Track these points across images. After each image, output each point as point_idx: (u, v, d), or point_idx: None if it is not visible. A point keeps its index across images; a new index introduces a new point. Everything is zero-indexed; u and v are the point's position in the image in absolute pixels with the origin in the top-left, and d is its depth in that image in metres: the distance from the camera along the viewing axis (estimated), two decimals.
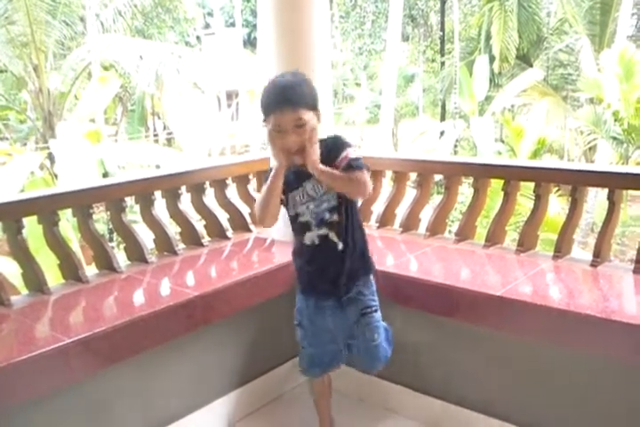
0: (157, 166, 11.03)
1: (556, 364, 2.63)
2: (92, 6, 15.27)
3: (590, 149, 15.86)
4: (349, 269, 2.46)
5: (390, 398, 3.17)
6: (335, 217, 2.40)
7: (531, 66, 18.46)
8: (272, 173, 2.30)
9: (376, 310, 2.55)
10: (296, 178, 2.39)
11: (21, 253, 2.80)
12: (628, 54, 13.19)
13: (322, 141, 2.32)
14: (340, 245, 2.42)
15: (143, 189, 3.23)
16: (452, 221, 8.94)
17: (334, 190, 2.33)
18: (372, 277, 2.57)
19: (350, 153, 2.29)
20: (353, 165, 2.25)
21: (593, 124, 14.04)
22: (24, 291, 2.87)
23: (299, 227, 2.47)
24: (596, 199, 11.75)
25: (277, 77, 2.33)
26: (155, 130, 21.86)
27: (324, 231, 2.42)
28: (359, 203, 2.63)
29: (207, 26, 27.28)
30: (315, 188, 2.39)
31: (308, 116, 2.24)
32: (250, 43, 25.21)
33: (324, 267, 2.47)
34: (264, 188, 2.35)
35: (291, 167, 2.31)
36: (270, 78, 2.35)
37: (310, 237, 2.44)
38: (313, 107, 2.29)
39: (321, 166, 2.22)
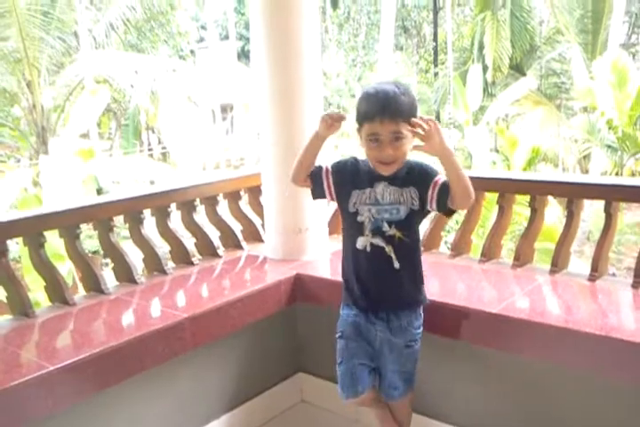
0: (152, 182, 10.98)
1: (554, 383, 2.56)
2: (84, 21, 15.29)
3: (585, 157, 15.85)
4: (406, 291, 2.40)
5: None
6: (396, 232, 2.32)
7: (524, 75, 18.50)
8: (312, 137, 2.33)
9: (418, 342, 2.48)
10: (370, 177, 2.33)
11: (6, 276, 2.73)
12: (620, 62, 13.23)
13: (406, 163, 2.30)
14: (397, 264, 2.34)
15: (131, 208, 3.18)
16: (448, 231, 8.90)
17: (452, 183, 2.21)
18: (421, 308, 2.49)
19: (441, 178, 2.26)
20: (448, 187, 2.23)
21: (587, 133, 14.05)
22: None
23: (355, 227, 2.36)
24: (591, 207, 11.70)
25: (381, 84, 2.28)
26: (149, 144, 21.83)
27: (379, 242, 2.33)
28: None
29: (201, 39, 27.37)
30: (383, 193, 2.32)
31: (407, 129, 2.18)
32: (244, 55, 25.24)
33: (375, 279, 2.38)
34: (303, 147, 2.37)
35: (368, 166, 2.32)
36: (372, 85, 2.32)
37: (363, 242, 2.35)
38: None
39: (449, 148, 2.19)
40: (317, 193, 2.45)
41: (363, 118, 2.24)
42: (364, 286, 2.41)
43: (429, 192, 2.28)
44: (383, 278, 2.37)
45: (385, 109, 2.16)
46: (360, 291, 2.42)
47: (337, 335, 2.51)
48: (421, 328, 2.49)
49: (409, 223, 2.34)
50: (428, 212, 2.39)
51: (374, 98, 2.21)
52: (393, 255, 2.33)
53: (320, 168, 2.40)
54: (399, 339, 2.43)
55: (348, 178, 2.37)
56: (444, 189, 2.24)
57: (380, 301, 2.40)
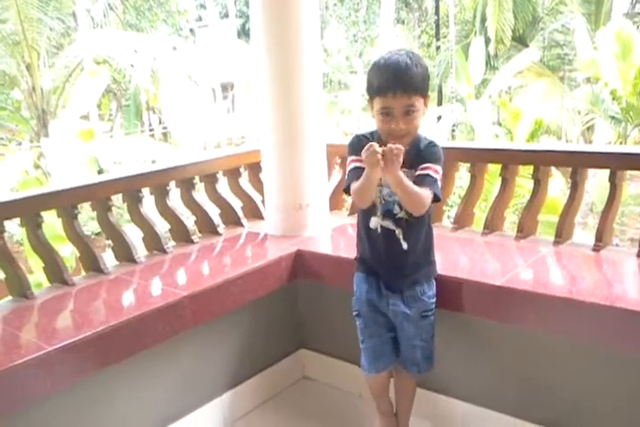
0: (153, 162, 10.92)
1: (558, 354, 2.54)
2: (82, 1, 15.13)
3: (588, 128, 15.69)
4: (413, 267, 2.41)
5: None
6: (405, 215, 2.33)
7: (527, 47, 18.26)
8: (366, 175, 2.16)
9: (433, 313, 2.48)
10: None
11: (3, 257, 2.71)
12: (624, 32, 13.00)
13: (417, 137, 2.28)
14: (405, 246, 2.37)
15: (130, 187, 3.14)
16: (451, 206, 8.85)
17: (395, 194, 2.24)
18: (434, 279, 2.50)
19: (433, 170, 2.24)
20: (425, 182, 2.21)
21: (590, 104, 13.89)
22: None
23: (367, 207, 2.37)
24: (594, 178, 11.61)
25: (392, 54, 2.19)
26: (150, 124, 21.72)
27: (389, 224, 2.36)
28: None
29: (200, 18, 27.08)
30: None
31: (419, 102, 2.16)
32: (244, 33, 24.98)
33: (387, 258, 2.41)
34: (362, 179, 2.19)
35: (378, 141, 2.20)
36: (383, 55, 2.22)
37: (374, 223, 2.38)
38: (425, 93, 2.20)
39: (399, 174, 2.12)
40: None
41: (374, 92, 2.20)
42: (377, 260, 2.45)
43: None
44: (393, 258, 2.41)
45: (397, 83, 2.12)
46: (373, 262, 2.46)
47: (354, 314, 2.54)
48: (435, 298, 2.48)
49: None
50: None
51: (385, 70, 2.17)
52: (401, 237, 2.36)
53: (357, 167, 2.28)
54: (414, 309, 2.43)
55: None
56: (417, 179, 2.23)
57: (393, 275, 2.43)
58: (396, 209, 2.34)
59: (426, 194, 2.21)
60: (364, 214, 2.43)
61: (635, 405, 2.39)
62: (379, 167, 2.08)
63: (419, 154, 2.28)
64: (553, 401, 2.58)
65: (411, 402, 2.68)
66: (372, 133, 2.35)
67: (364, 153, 2.09)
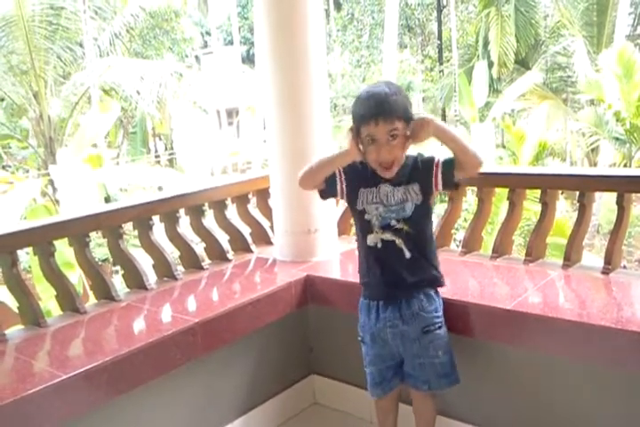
0: (160, 188, 10.98)
1: (571, 378, 2.53)
2: (89, 31, 15.35)
3: (593, 150, 15.74)
4: (416, 278, 2.43)
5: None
6: (404, 226, 2.38)
7: (529, 70, 18.41)
8: (340, 153, 2.32)
9: (440, 327, 2.48)
10: (374, 177, 2.38)
11: (17, 286, 2.74)
12: (627, 54, 13.11)
13: (406, 159, 2.37)
14: (408, 254, 2.39)
15: (140, 215, 3.17)
16: (457, 229, 8.83)
17: (457, 155, 2.30)
18: (436, 291, 2.51)
19: (440, 159, 2.35)
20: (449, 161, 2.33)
21: (595, 126, 13.94)
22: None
23: (363, 225, 2.45)
24: (600, 200, 11.61)
25: (372, 87, 2.34)
26: (156, 151, 21.89)
27: (389, 236, 2.40)
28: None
29: (205, 45, 27.41)
30: (388, 194, 2.38)
31: (402, 126, 2.25)
32: (249, 60, 25.29)
33: (388, 269, 2.43)
34: (325, 157, 2.38)
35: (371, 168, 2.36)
36: (365, 88, 2.38)
37: (373, 240, 2.42)
38: (407, 117, 2.27)
39: (437, 122, 2.27)
40: (329, 193, 2.48)
41: (359, 122, 2.29)
42: (379, 275, 2.46)
43: (433, 178, 2.36)
44: (396, 268, 2.42)
45: (378, 111, 2.22)
46: (374, 281, 2.48)
47: (359, 339, 2.58)
48: (439, 313, 2.48)
49: (417, 218, 2.40)
50: (431, 194, 2.42)
51: (367, 102, 2.28)
52: (403, 247, 2.40)
53: (335, 177, 2.42)
54: (413, 326, 2.43)
55: (357, 177, 2.41)
56: (447, 166, 2.34)
57: (394, 288, 2.44)
58: (394, 222, 2.38)
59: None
60: (361, 233, 2.47)
61: None
62: (355, 152, 2.26)
63: (415, 166, 2.38)
64: (566, 425, 2.56)
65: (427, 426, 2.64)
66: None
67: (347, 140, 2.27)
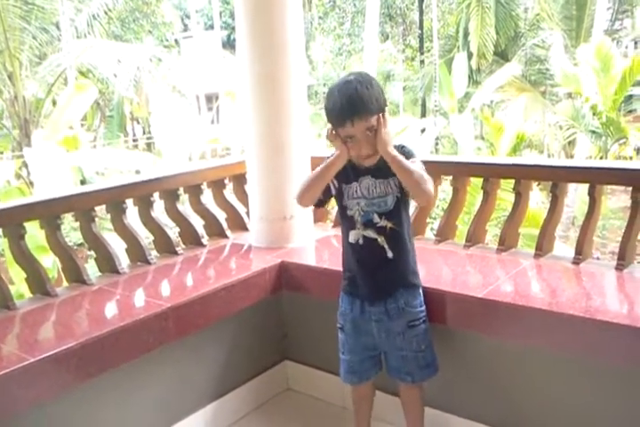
0: (137, 172, 10.88)
1: (539, 366, 2.56)
2: (65, 11, 15.09)
3: (569, 143, 15.90)
4: (399, 276, 2.43)
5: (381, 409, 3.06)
6: (387, 223, 2.36)
7: (508, 62, 18.50)
8: (329, 161, 2.30)
9: (424, 321, 2.49)
10: (354, 171, 2.37)
11: None
12: (604, 48, 13.25)
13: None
14: (390, 254, 2.38)
15: (114, 198, 3.14)
16: (434, 218, 8.90)
17: (403, 183, 2.28)
18: (418, 285, 2.51)
19: (417, 162, 2.29)
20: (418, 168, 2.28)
21: (572, 119, 14.08)
22: None
23: (346, 222, 2.44)
24: (576, 193, 11.75)
25: (343, 83, 2.26)
26: (134, 135, 21.68)
27: (371, 234, 2.38)
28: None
29: (185, 28, 27.12)
30: (369, 187, 2.36)
31: (376, 118, 2.21)
32: (230, 45, 25.08)
33: (371, 270, 2.43)
34: (317, 170, 2.35)
35: (351, 160, 2.33)
36: (335, 84, 2.30)
37: (355, 236, 2.41)
38: (381, 109, 2.24)
39: (393, 152, 2.23)
40: (324, 199, 2.47)
41: (334, 124, 2.26)
42: (362, 276, 2.45)
43: None
44: (378, 268, 2.42)
45: (352, 112, 2.19)
46: (359, 279, 2.47)
47: (338, 326, 2.57)
48: (423, 307, 2.50)
49: (398, 212, 2.38)
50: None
51: (339, 102, 2.22)
52: (385, 246, 2.39)
53: None
54: (399, 321, 2.44)
55: (339, 174, 2.37)
56: None
57: (378, 288, 2.43)
58: (376, 218, 2.36)
59: (425, 175, 2.25)
60: (344, 229, 2.46)
61: (616, 415, 2.42)
62: (347, 154, 2.25)
63: None
64: (537, 413, 2.60)
65: (415, 417, 2.64)
66: None
67: (329, 138, 2.26)
